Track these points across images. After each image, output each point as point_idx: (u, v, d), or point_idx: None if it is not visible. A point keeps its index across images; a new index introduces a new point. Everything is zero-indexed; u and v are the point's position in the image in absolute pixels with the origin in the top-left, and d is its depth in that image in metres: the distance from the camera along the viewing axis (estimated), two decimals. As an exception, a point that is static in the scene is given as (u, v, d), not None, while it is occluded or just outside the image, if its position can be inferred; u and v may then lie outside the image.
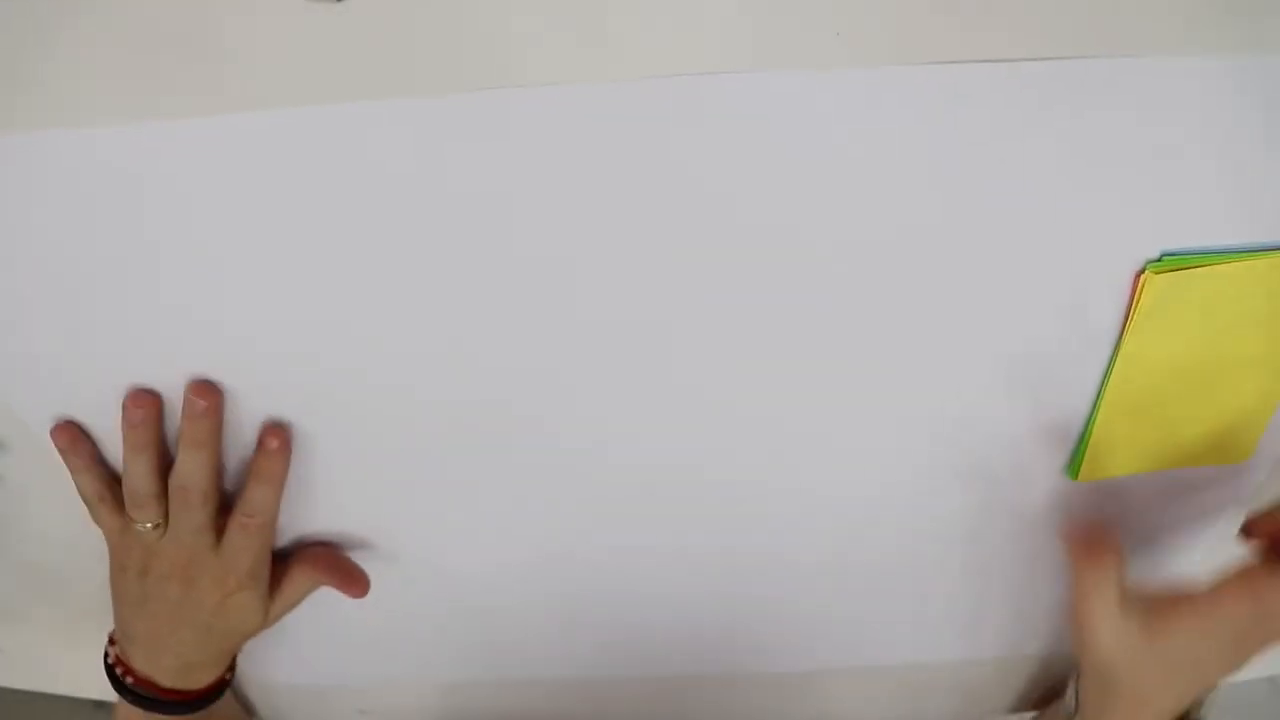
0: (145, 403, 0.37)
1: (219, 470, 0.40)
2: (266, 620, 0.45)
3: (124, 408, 0.38)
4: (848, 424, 0.40)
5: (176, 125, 0.31)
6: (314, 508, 0.43)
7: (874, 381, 0.39)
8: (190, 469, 0.39)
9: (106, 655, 0.45)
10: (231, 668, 0.48)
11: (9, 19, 0.29)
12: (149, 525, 0.40)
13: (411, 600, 0.48)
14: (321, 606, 0.48)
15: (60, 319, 0.36)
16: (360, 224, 0.33)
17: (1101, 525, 0.39)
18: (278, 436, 0.39)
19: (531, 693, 0.54)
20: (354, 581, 0.45)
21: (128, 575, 0.42)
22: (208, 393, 0.37)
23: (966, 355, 0.37)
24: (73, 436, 0.39)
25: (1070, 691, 0.45)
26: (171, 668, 0.44)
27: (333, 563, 0.45)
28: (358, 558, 0.45)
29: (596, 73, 0.30)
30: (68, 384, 0.38)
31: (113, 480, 0.40)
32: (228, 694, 0.49)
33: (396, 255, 0.34)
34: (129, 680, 0.44)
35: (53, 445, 0.39)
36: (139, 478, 0.39)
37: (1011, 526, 0.45)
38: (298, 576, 0.44)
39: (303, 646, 0.51)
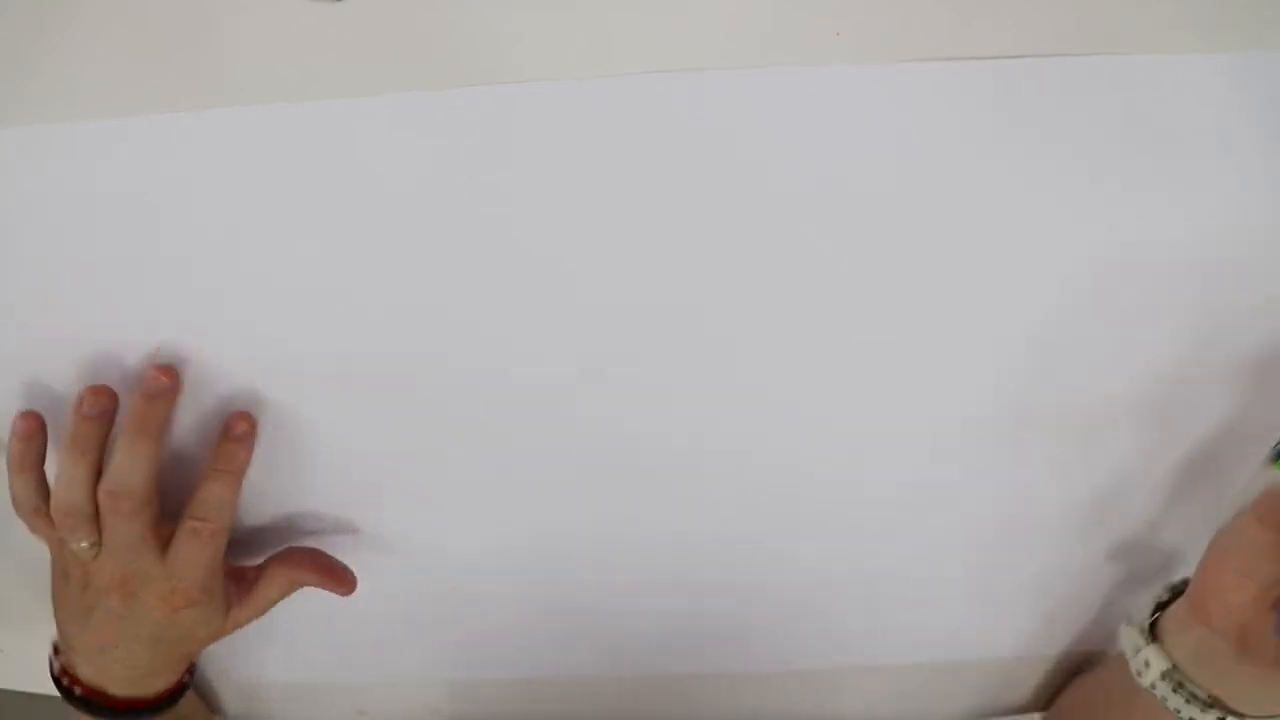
0: (106, 395, 0.35)
1: (157, 474, 0.37)
2: (226, 627, 0.42)
3: (81, 399, 0.35)
4: (854, 420, 0.40)
5: (176, 119, 0.31)
6: (310, 503, 0.43)
7: (877, 380, 0.39)
8: (126, 468, 0.36)
9: (51, 665, 0.42)
10: (190, 670, 0.45)
11: (9, 14, 0.29)
12: (83, 544, 0.37)
13: (409, 599, 0.48)
14: (318, 605, 0.48)
15: (57, 312, 0.36)
16: (358, 217, 0.33)
17: None
18: (246, 421, 0.37)
19: (532, 692, 0.54)
20: (340, 579, 0.43)
21: (69, 585, 0.39)
22: (170, 373, 0.35)
23: (973, 351, 0.37)
24: (31, 430, 0.37)
25: (1173, 702, 0.39)
26: (122, 677, 0.41)
27: (315, 561, 0.43)
28: (355, 555, 0.45)
29: (595, 69, 0.30)
30: (28, 381, 0.37)
31: (49, 493, 0.38)
32: (189, 695, 0.46)
33: (393, 248, 0.34)
34: (77, 690, 0.41)
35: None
36: (73, 489, 0.36)
37: (1030, 529, 0.45)
38: (273, 578, 0.42)
39: (300, 646, 0.51)
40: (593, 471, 0.42)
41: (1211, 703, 0.38)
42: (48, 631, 0.43)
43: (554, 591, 0.48)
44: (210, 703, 0.54)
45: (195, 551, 0.38)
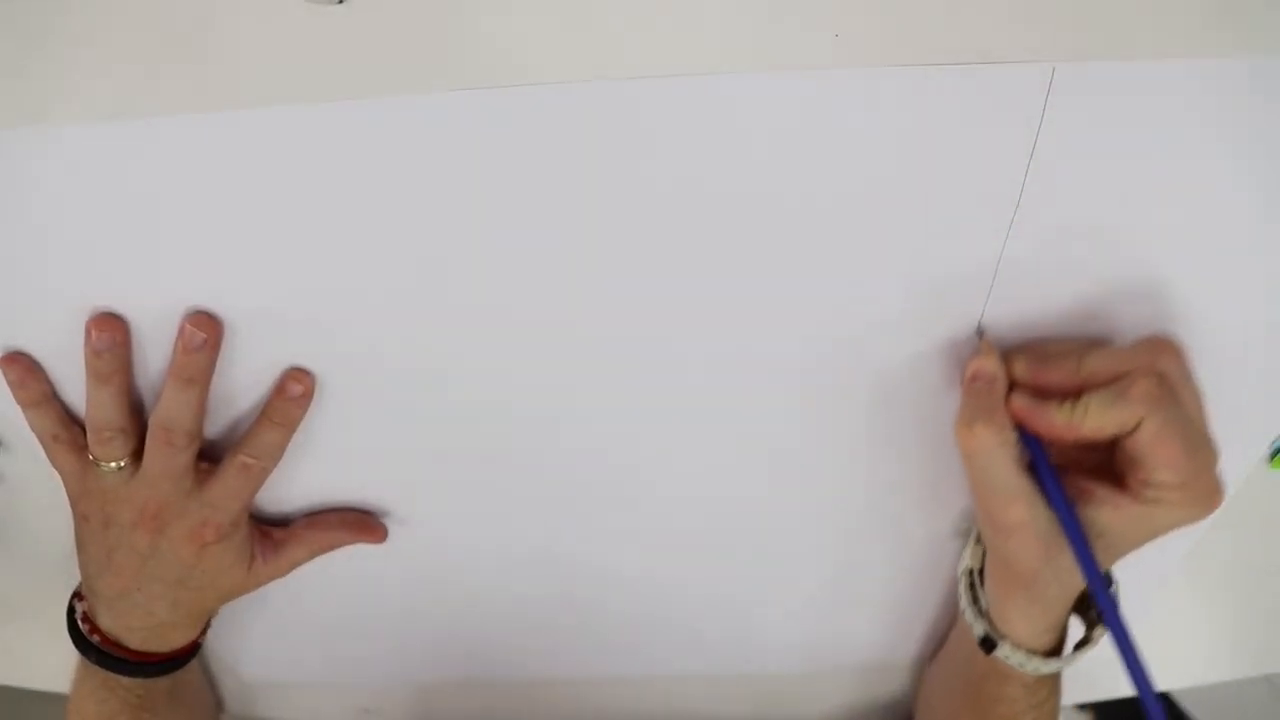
0: (111, 327, 0.35)
1: (204, 413, 0.37)
2: (248, 582, 0.42)
3: (87, 332, 0.35)
4: (842, 434, 0.40)
5: (178, 122, 0.31)
6: (311, 506, 0.43)
7: (877, 389, 0.38)
8: (177, 407, 0.36)
9: (73, 609, 0.42)
10: (204, 630, 0.45)
11: (11, 15, 0.29)
12: (114, 465, 0.37)
13: (411, 600, 0.48)
14: (325, 605, 0.48)
15: (56, 313, 0.35)
16: (358, 222, 0.33)
17: (988, 399, 0.34)
18: (302, 383, 0.37)
19: (533, 692, 0.54)
20: (371, 531, 0.43)
21: (90, 525, 0.39)
22: (208, 325, 0.35)
23: (959, 356, 0.37)
24: (25, 368, 0.36)
25: (964, 601, 0.40)
26: (140, 627, 0.41)
27: (343, 519, 0.43)
28: (358, 558, 0.45)
29: (596, 72, 0.30)
30: (24, 319, 0.36)
31: (69, 419, 0.38)
32: (195, 668, 0.45)
33: (393, 252, 0.34)
34: (95, 639, 0.41)
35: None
36: (105, 409, 0.36)
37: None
38: (301, 541, 0.42)
39: (305, 646, 0.51)
40: (587, 481, 0.42)
41: (985, 615, 0.39)
42: (51, 630, 0.43)
43: (554, 593, 0.48)
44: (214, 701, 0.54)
45: (240, 485, 0.38)
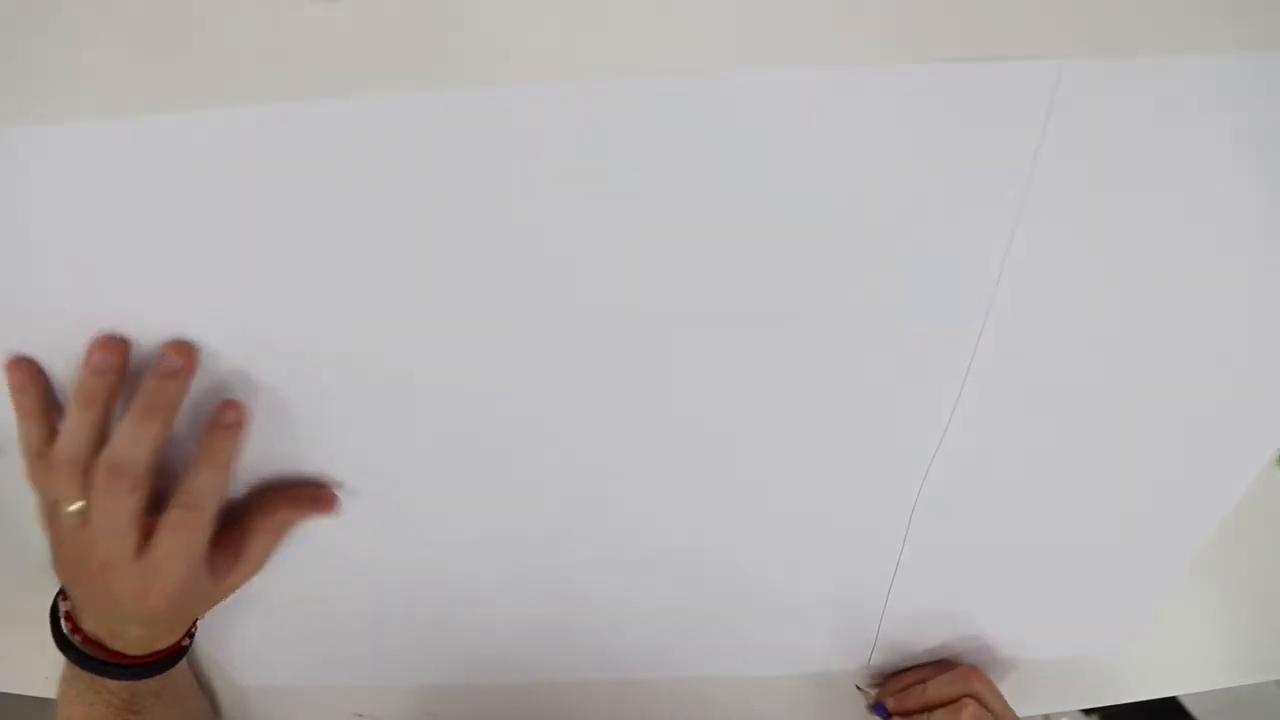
0: (115, 350, 0.34)
1: (158, 456, 0.35)
2: (219, 594, 0.41)
3: (90, 352, 0.34)
4: (836, 442, 0.40)
5: (172, 120, 0.30)
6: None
7: (871, 392, 0.38)
8: (129, 443, 0.34)
9: (56, 609, 0.41)
10: (190, 634, 0.44)
11: (7, 14, 0.29)
12: (70, 509, 0.35)
13: (404, 604, 0.48)
14: (318, 609, 0.48)
15: (56, 312, 0.35)
16: (353, 220, 0.33)
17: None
18: (235, 410, 0.36)
19: (525, 695, 0.54)
20: (321, 501, 0.41)
21: (64, 550, 0.38)
22: (185, 352, 0.34)
23: (964, 357, 0.37)
24: (29, 375, 0.35)
25: None
26: (122, 633, 0.40)
27: (293, 496, 0.41)
28: (351, 564, 0.45)
29: (593, 70, 0.30)
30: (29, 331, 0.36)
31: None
32: (183, 664, 0.45)
33: (388, 251, 0.34)
34: (77, 639, 0.40)
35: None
36: (74, 440, 0.34)
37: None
38: (260, 534, 0.40)
39: (298, 650, 0.51)
40: (581, 485, 0.42)
41: None
42: (42, 634, 0.43)
43: (547, 597, 0.48)
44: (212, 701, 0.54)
45: (179, 543, 0.36)
